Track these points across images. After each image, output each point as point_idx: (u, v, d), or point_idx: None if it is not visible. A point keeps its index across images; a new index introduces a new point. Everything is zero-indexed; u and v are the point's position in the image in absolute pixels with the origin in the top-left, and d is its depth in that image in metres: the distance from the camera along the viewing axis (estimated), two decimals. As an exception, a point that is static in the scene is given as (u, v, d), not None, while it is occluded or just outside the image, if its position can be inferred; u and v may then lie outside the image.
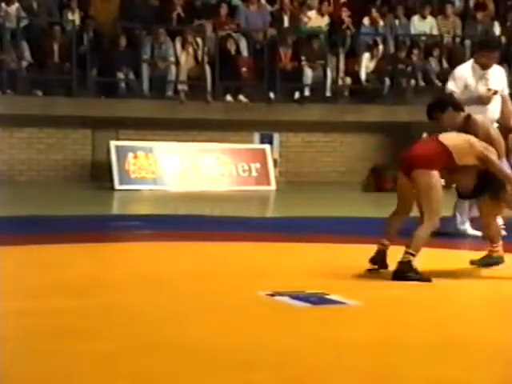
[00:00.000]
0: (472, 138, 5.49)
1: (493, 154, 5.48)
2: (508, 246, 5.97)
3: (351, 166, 14.04)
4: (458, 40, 15.14)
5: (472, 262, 5.88)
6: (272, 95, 13.69)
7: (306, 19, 14.47)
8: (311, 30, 14.50)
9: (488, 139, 5.58)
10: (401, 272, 5.28)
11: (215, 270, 5.70)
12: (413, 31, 14.92)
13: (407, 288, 5.11)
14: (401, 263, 5.30)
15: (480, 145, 5.47)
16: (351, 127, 14.02)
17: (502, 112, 7.30)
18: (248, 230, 7.90)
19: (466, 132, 5.58)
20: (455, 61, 14.74)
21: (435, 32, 14.97)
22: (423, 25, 14.96)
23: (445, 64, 14.70)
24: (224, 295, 4.85)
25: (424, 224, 5.36)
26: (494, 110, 7.24)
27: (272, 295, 4.77)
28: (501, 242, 5.83)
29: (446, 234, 6.96)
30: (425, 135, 13.88)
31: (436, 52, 14.62)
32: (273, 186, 12.73)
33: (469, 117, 5.67)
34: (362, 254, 6.49)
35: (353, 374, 3.39)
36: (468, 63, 7.45)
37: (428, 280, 5.28)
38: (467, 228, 7.43)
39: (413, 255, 5.31)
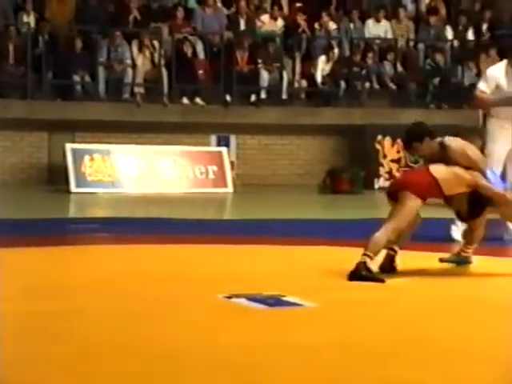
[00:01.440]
0: (458, 169, 5.63)
1: (480, 179, 5.65)
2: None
3: (308, 168, 14.15)
4: (411, 44, 15.33)
5: (441, 260, 6.08)
6: (228, 98, 13.75)
7: (259, 23, 14.56)
8: (267, 33, 14.59)
9: (469, 161, 5.68)
10: (357, 272, 5.39)
11: (173, 272, 5.73)
12: (367, 35, 15.08)
13: (363, 289, 5.18)
14: (357, 264, 5.41)
15: (467, 174, 5.63)
16: (307, 130, 14.13)
17: None
18: (205, 232, 7.94)
19: (444, 158, 5.69)
20: (409, 64, 15.00)
21: (389, 36, 15.15)
22: (377, 28, 15.13)
23: (399, 67, 14.89)
24: (181, 298, 4.88)
25: (383, 230, 5.51)
26: None
27: (229, 297, 4.81)
28: (474, 246, 6.04)
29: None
30: (379, 137, 14.08)
31: (390, 55, 14.79)
32: (230, 189, 12.79)
33: (442, 143, 5.77)
34: (318, 255, 6.58)
35: (308, 376, 3.44)
36: (501, 64, 7.41)
37: (381, 281, 5.39)
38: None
39: (369, 257, 5.43)
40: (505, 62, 7.37)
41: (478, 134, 9.28)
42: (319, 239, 7.32)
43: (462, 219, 5.95)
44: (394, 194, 5.64)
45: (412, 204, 5.53)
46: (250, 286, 5.16)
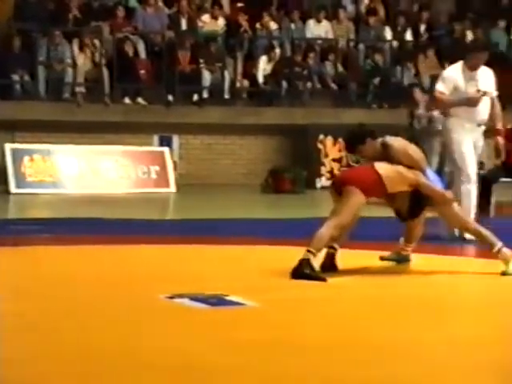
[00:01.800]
0: (401, 168, 5.73)
1: (421, 178, 5.74)
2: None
3: (251, 168, 14.19)
4: (352, 44, 15.49)
5: (381, 258, 6.19)
6: (171, 98, 13.72)
7: (201, 23, 14.56)
8: (209, 32, 14.60)
9: (411, 160, 5.78)
10: (299, 270, 5.42)
11: (114, 273, 5.71)
12: (308, 35, 15.19)
13: (305, 288, 5.22)
14: (300, 260, 5.44)
15: (410, 172, 5.72)
16: (250, 129, 14.17)
17: (490, 114, 7.37)
18: (148, 232, 7.92)
19: (386, 158, 5.78)
20: (350, 64, 15.15)
21: (330, 36, 15.28)
22: (318, 29, 15.25)
23: (340, 67, 15.03)
24: (123, 298, 4.87)
25: (326, 226, 5.56)
26: (482, 111, 7.32)
27: (171, 297, 4.82)
28: (413, 244, 6.17)
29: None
30: (321, 137, 14.20)
31: (331, 56, 14.92)
32: (172, 189, 12.77)
33: (384, 143, 5.86)
34: (260, 255, 6.62)
35: (249, 375, 3.47)
36: (457, 65, 7.43)
37: (323, 279, 5.44)
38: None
39: (313, 254, 5.47)
40: (461, 62, 7.43)
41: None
42: (261, 239, 7.36)
43: (402, 219, 6.04)
44: (339, 189, 5.70)
45: (356, 199, 5.59)
46: (192, 285, 5.16)
